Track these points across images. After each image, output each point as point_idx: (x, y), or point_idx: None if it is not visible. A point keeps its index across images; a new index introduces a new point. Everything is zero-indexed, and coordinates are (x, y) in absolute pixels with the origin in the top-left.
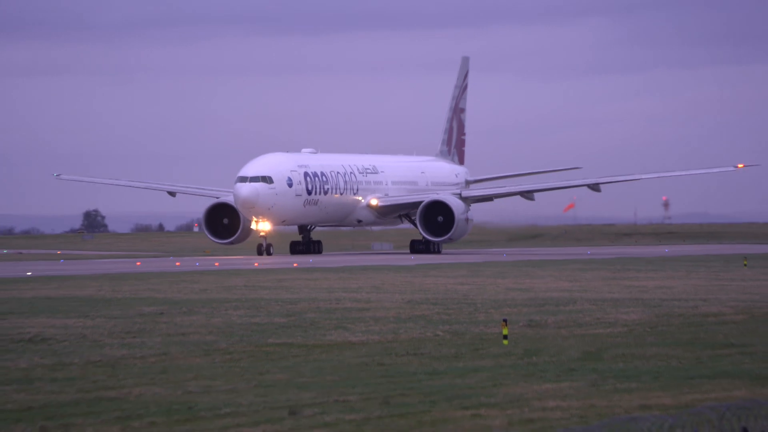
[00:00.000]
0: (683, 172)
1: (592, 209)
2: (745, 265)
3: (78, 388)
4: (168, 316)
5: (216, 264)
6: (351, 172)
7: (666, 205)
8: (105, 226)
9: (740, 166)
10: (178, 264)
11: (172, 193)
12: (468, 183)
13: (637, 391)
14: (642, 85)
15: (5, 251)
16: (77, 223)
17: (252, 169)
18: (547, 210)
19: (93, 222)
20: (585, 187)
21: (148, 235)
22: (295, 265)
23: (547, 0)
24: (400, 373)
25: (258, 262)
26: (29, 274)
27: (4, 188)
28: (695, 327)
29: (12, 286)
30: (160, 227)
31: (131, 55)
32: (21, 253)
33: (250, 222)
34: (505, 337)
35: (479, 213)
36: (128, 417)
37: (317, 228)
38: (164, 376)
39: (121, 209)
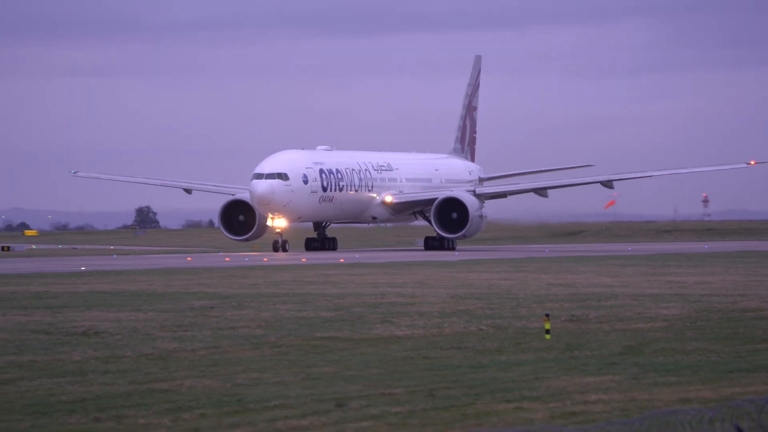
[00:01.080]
0: (695, 169)
1: (632, 206)
2: None
3: (130, 380)
4: (218, 310)
5: (265, 260)
6: (366, 169)
7: (705, 201)
8: (156, 222)
9: (752, 162)
10: (227, 259)
11: (188, 191)
12: (481, 180)
13: (677, 384)
14: (657, 87)
15: (60, 246)
16: (130, 220)
17: (268, 165)
18: (588, 207)
19: (145, 218)
20: (603, 185)
21: (199, 231)
22: (330, 259)
23: (551, 4)
24: (445, 367)
25: (267, 257)
26: (83, 268)
27: (60, 186)
28: (734, 322)
29: (67, 280)
30: (210, 223)
31: (179, 56)
32: (75, 248)
33: (265, 219)
34: (548, 331)
35: (506, 211)
36: (179, 408)
37: (332, 225)
38: (214, 369)
39: (173, 206)
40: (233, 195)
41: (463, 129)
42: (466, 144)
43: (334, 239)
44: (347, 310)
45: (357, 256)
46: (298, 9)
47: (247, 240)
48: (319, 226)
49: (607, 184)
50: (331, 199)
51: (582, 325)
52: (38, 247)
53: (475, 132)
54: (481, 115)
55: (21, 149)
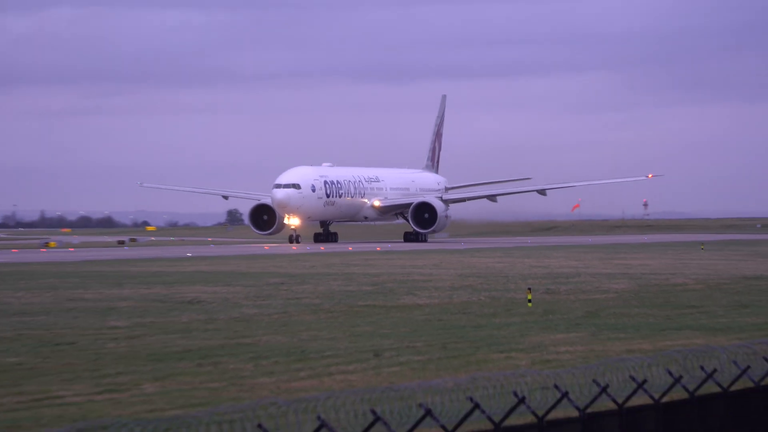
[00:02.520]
0: (604, 181)
1: (592, 208)
2: (702, 248)
3: (223, 336)
4: (287, 285)
5: (322, 248)
6: (359, 181)
7: (645, 205)
8: (242, 220)
9: (650, 176)
10: (294, 248)
11: (225, 197)
12: (447, 189)
13: (624, 339)
14: (602, 121)
15: (172, 239)
16: (222, 218)
17: (285, 178)
18: (559, 209)
19: (234, 217)
20: (538, 192)
21: (311, 228)
22: (349, 249)
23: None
24: (454, 327)
25: (295, 246)
26: (189, 255)
27: (175, 194)
28: (666, 293)
29: (177, 263)
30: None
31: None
32: (183, 240)
33: (283, 218)
34: (530, 300)
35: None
36: (259, 357)
37: (334, 223)
38: (284, 328)
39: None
40: (259, 200)
41: (432, 150)
42: (435, 161)
43: (335, 234)
44: (381, 285)
45: (378, 248)
46: (316, 67)
47: (269, 234)
48: (324, 224)
49: (542, 192)
50: (333, 204)
51: (555, 296)
52: (156, 239)
53: (439, 152)
54: (454, 140)
55: (146, 165)
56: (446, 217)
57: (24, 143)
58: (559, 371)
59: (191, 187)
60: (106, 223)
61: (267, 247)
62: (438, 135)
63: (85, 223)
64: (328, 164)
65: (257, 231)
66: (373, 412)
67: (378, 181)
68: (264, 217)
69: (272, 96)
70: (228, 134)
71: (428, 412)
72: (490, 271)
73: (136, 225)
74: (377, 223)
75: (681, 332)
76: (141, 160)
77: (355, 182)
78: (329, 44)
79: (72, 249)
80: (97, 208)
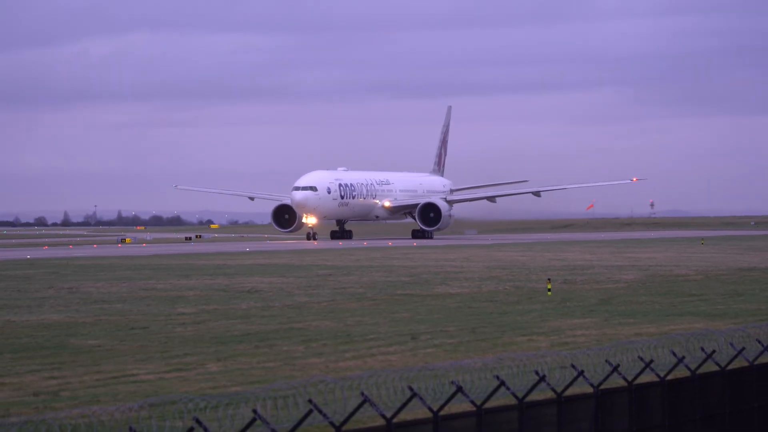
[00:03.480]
0: (594, 183)
1: (604, 208)
2: (702, 243)
3: (278, 321)
4: (334, 276)
5: (365, 243)
6: (371, 183)
7: (652, 205)
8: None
9: (634, 179)
10: (340, 243)
11: (251, 198)
12: (452, 191)
13: (633, 324)
14: (605, 132)
15: (233, 235)
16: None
17: (303, 181)
18: (575, 208)
19: None
20: (533, 194)
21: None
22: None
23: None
24: (482, 313)
25: (315, 243)
26: (248, 249)
27: (238, 199)
28: (670, 283)
29: (237, 257)
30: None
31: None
32: (242, 236)
33: (302, 217)
34: (549, 290)
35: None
36: (309, 340)
37: (349, 222)
38: (332, 315)
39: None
40: (281, 201)
41: (439, 156)
42: (441, 166)
43: (350, 231)
44: (418, 276)
45: (390, 243)
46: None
47: (290, 232)
48: (340, 222)
49: (537, 193)
50: (346, 204)
51: (572, 285)
52: (219, 236)
53: (445, 158)
54: (472, 147)
55: (209, 171)
56: (450, 216)
57: (104, 152)
58: (575, 352)
59: (221, 189)
60: (175, 222)
61: (288, 242)
62: (444, 142)
63: (156, 222)
64: (343, 168)
65: (279, 229)
66: (410, 388)
67: (388, 184)
68: (285, 216)
69: (318, 109)
70: (278, 143)
71: (459, 389)
72: (514, 263)
73: (201, 223)
74: (388, 221)
75: (683, 317)
76: (204, 167)
77: (367, 185)
78: (370, 63)
79: (145, 244)
80: (167, 209)
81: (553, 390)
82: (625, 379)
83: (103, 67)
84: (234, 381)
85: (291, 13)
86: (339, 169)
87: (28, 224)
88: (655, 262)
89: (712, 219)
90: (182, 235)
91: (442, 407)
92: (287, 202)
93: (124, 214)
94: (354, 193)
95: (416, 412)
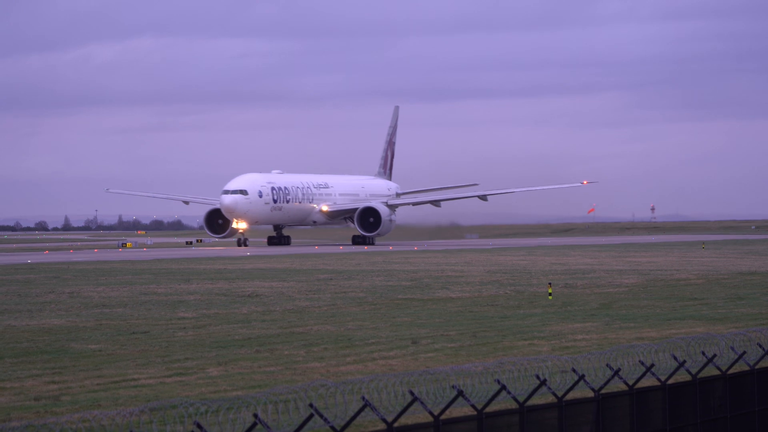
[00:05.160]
0: (542, 187)
1: (605, 212)
2: (703, 247)
3: (279, 326)
4: (335, 280)
5: (366, 248)
6: (307, 187)
7: (653, 209)
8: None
9: (585, 182)
10: (341, 248)
11: (186, 202)
12: (398, 195)
13: (634, 328)
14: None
15: (307, 240)
16: None
17: (233, 184)
18: (574, 212)
19: None
20: (479, 198)
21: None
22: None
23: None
24: (483, 317)
25: (243, 249)
26: (248, 254)
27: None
28: (671, 287)
29: (237, 261)
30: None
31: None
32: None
33: (232, 222)
34: (550, 294)
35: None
36: (310, 344)
37: (286, 227)
38: (333, 319)
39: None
40: (214, 205)
41: (385, 158)
42: (387, 168)
43: (288, 237)
44: (419, 280)
45: (390, 247)
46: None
47: (223, 237)
48: (277, 227)
49: (483, 197)
50: (280, 209)
51: (572, 290)
52: (219, 240)
53: (392, 160)
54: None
55: (211, 175)
56: (390, 221)
57: (105, 156)
58: (576, 356)
59: (153, 192)
60: (176, 226)
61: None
62: (390, 144)
63: (157, 226)
64: (278, 171)
65: (212, 234)
66: (411, 392)
67: (327, 187)
68: (219, 221)
69: (321, 114)
70: (282, 147)
71: (460, 393)
72: (514, 267)
73: (202, 228)
74: (327, 227)
75: (684, 321)
76: (207, 171)
77: (303, 188)
78: (372, 68)
79: (146, 249)
80: (168, 213)
81: (554, 394)
82: (626, 383)
83: (107, 72)
84: (235, 385)
85: (295, 18)
86: (273, 171)
87: (29, 229)
88: (656, 266)
89: (713, 223)
90: (183, 240)
91: (443, 411)
92: (219, 206)
93: (124, 219)
94: (288, 197)
95: (417, 416)
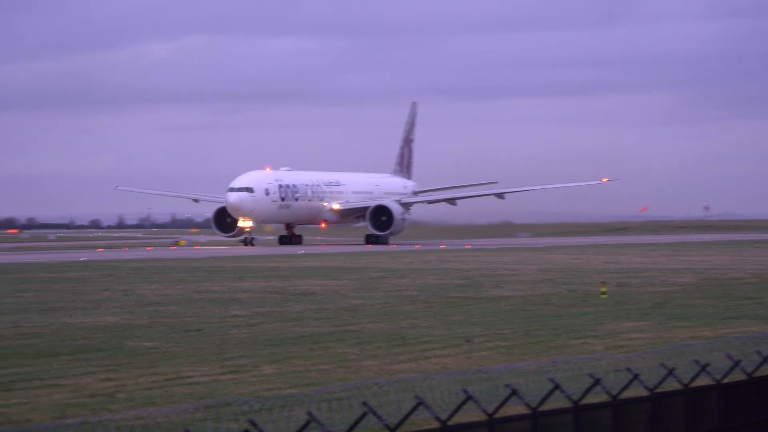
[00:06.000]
0: (561, 185)
1: (660, 210)
2: (756, 246)
3: (332, 324)
4: (388, 279)
5: (418, 246)
6: (318, 185)
7: (706, 208)
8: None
9: (605, 180)
10: (393, 246)
11: (196, 200)
12: (415, 193)
13: (688, 327)
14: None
15: (318, 238)
16: None
17: (239, 182)
18: (628, 211)
19: None
20: (496, 196)
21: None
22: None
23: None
24: (536, 316)
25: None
26: (301, 252)
27: None
28: (726, 286)
29: (291, 259)
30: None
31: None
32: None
33: (237, 221)
34: (603, 292)
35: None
36: (363, 342)
37: (298, 226)
38: (386, 317)
39: None
40: (222, 203)
41: (401, 156)
42: (404, 166)
43: (300, 236)
44: (471, 279)
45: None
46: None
47: (232, 236)
48: (288, 226)
49: (500, 195)
50: (288, 207)
51: (626, 288)
52: (272, 238)
53: (411, 158)
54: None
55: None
56: (403, 220)
57: (159, 154)
58: (630, 355)
59: (164, 190)
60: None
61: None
62: (407, 141)
63: (211, 224)
64: (287, 168)
65: (221, 233)
66: (465, 391)
67: (338, 185)
68: (227, 219)
69: (371, 112)
70: (331, 146)
71: (514, 392)
72: (567, 266)
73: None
74: (340, 225)
75: (739, 321)
76: (258, 168)
77: (312, 186)
78: (423, 66)
79: (199, 247)
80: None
81: (608, 393)
82: (680, 382)
83: (160, 70)
84: (288, 383)
85: (345, 17)
86: (282, 168)
87: (83, 227)
88: (710, 265)
89: (765, 222)
90: (236, 238)
91: (496, 410)
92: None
93: (178, 217)
94: (297, 195)
95: (471, 414)
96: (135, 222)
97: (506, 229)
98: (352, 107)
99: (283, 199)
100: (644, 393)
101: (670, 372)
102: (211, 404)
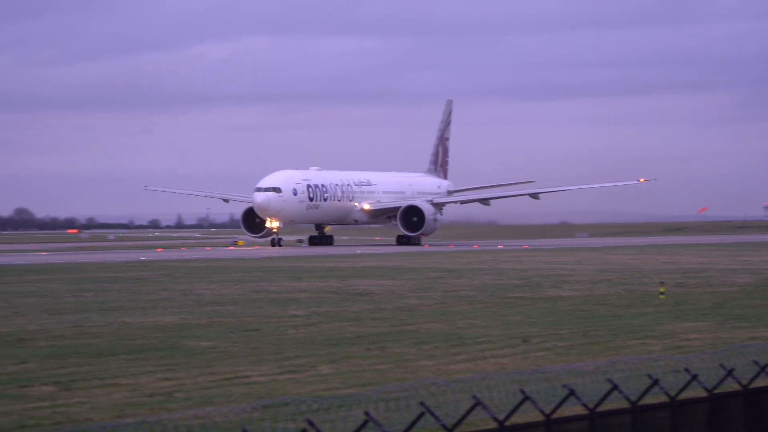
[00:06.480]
0: (596, 185)
1: (718, 211)
2: None
3: (389, 324)
4: (445, 279)
5: (475, 246)
6: (348, 184)
7: (766, 208)
8: None
9: (642, 180)
10: (451, 246)
11: (225, 200)
12: (450, 192)
13: (748, 328)
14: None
15: (345, 238)
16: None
17: (266, 182)
18: (687, 211)
19: None
20: (531, 196)
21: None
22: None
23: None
24: (594, 316)
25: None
26: (359, 252)
27: None
28: None
29: (348, 260)
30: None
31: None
32: (354, 238)
33: (265, 221)
34: (662, 293)
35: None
36: (421, 342)
37: (329, 226)
38: (443, 317)
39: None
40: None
41: (436, 155)
42: (438, 165)
43: (331, 236)
44: (529, 279)
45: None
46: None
47: (261, 237)
48: (319, 226)
49: (534, 195)
50: (316, 207)
51: (685, 289)
52: (255, 240)
53: (447, 157)
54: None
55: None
56: (435, 220)
57: (217, 153)
58: (688, 356)
59: (193, 190)
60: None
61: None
62: (442, 139)
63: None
64: (316, 168)
65: (249, 234)
66: (522, 391)
67: (369, 185)
68: (257, 219)
69: (427, 111)
70: (390, 146)
71: (572, 392)
72: (625, 266)
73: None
74: (371, 226)
75: None
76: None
77: (342, 185)
78: (479, 65)
79: (256, 247)
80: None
81: (667, 394)
82: (739, 383)
83: (220, 70)
84: (346, 383)
85: (404, 17)
86: (311, 168)
87: (142, 227)
88: None
89: None
90: (294, 238)
91: (554, 410)
92: None
93: (236, 217)
94: (326, 195)
95: (528, 415)
96: (193, 222)
97: (564, 229)
98: (408, 107)
99: (311, 199)
100: (703, 394)
101: (729, 373)
102: (269, 404)
